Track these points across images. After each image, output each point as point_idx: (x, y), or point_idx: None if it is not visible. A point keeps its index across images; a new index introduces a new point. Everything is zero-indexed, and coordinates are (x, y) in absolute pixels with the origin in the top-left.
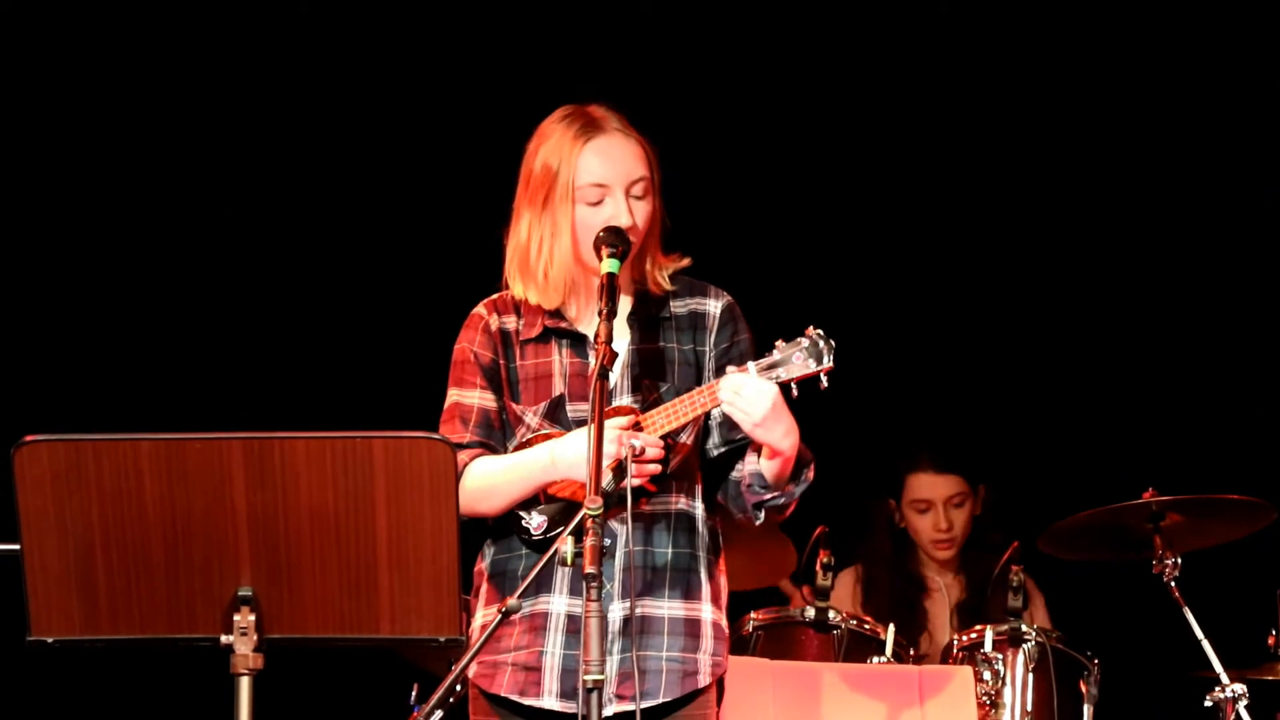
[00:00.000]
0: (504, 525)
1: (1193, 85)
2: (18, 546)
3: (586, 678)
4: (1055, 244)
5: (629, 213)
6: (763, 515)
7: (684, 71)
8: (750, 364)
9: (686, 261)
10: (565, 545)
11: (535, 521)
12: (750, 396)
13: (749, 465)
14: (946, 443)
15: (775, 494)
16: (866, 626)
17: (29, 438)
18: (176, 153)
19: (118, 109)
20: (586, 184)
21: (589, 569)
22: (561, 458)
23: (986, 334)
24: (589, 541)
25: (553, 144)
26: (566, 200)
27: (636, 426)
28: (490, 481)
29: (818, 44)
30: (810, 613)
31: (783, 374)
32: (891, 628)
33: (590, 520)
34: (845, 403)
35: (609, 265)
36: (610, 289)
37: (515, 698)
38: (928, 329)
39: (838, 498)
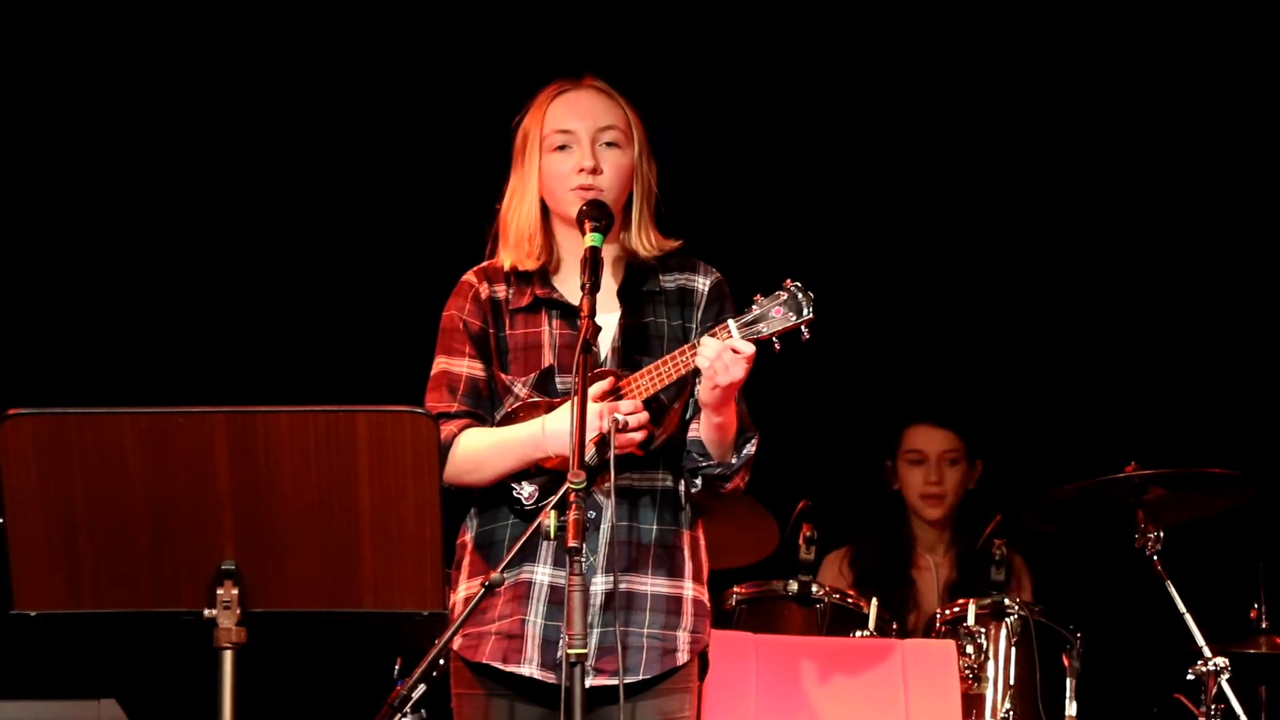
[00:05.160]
0: (491, 495)
1: (1181, 64)
2: (1, 520)
3: (570, 651)
4: (1042, 220)
5: (592, 156)
6: (699, 482)
7: (673, 44)
8: (730, 321)
9: (678, 244)
10: (549, 518)
11: (526, 491)
12: (729, 360)
13: (689, 433)
14: (944, 401)
15: (713, 463)
16: (850, 600)
17: (12, 411)
18: (160, 128)
19: (104, 89)
20: (552, 130)
21: (572, 542)
22: (552, 432)
23: (969, 309)
24: (572, 515)
25: (532, 109)
26: (535, 152)
27: (617, 392)
28: (480, 454)
29: (805, 16)
30: (793, 586)
31: (764, 329)
32: (874, 601)
33: (573, 494)
34: (836, 372)
35: (592, 239)
36: (594, 263)
37: (497, 665)
38: (913, 302)
39: (827, 471)
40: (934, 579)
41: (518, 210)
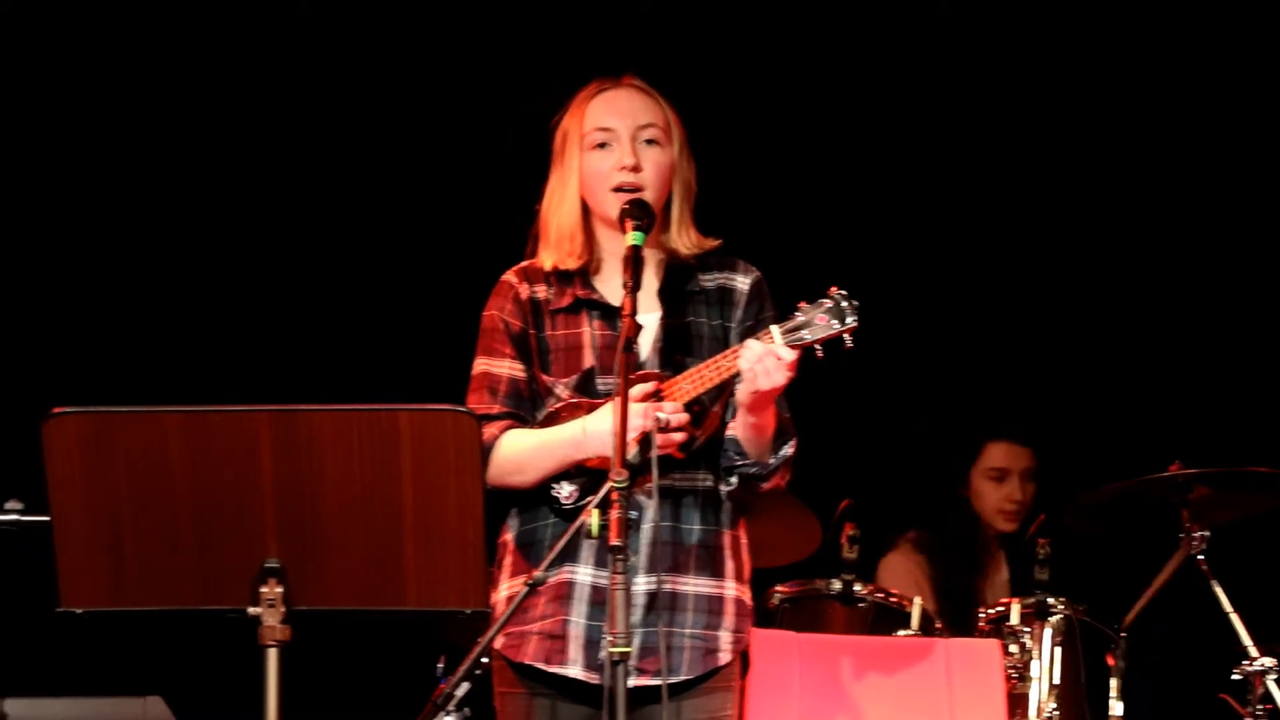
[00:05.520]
0: (532, 495)
1: (1226, 45)
2: (47, 518)
3: (612, 650)
4: (1083, 219)
5: (633, 154)
6: (735, 481)
7: (707, 41)
8: (774, 328)
9: (717, 243)
10: (591, 517)
11: (566, 490)
12: (771, 365)
13: (727, 432)
14: (1026, 416)
15: (749, 463)
16: (893, 599)
17: (57, 410)
18: (202, 122)
19: (130, 84)
20: (592, 129)
21: (614, 541)
22: (592, 433)
23: (1007, 310)
24: (614, 514)
25: (572, 108)
26: (575, 151)
27: (659, 395)
28: (522, 456)
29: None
30: (836, 586)
31: (807, 335)
32: (918, 600)
33: (615, 493)
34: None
35: (633, 238)
36: (635, 261)
37: (540, 666)
38: (944, 304)
39: (869, 471)
40: (993, 583)
41: (558, 210)
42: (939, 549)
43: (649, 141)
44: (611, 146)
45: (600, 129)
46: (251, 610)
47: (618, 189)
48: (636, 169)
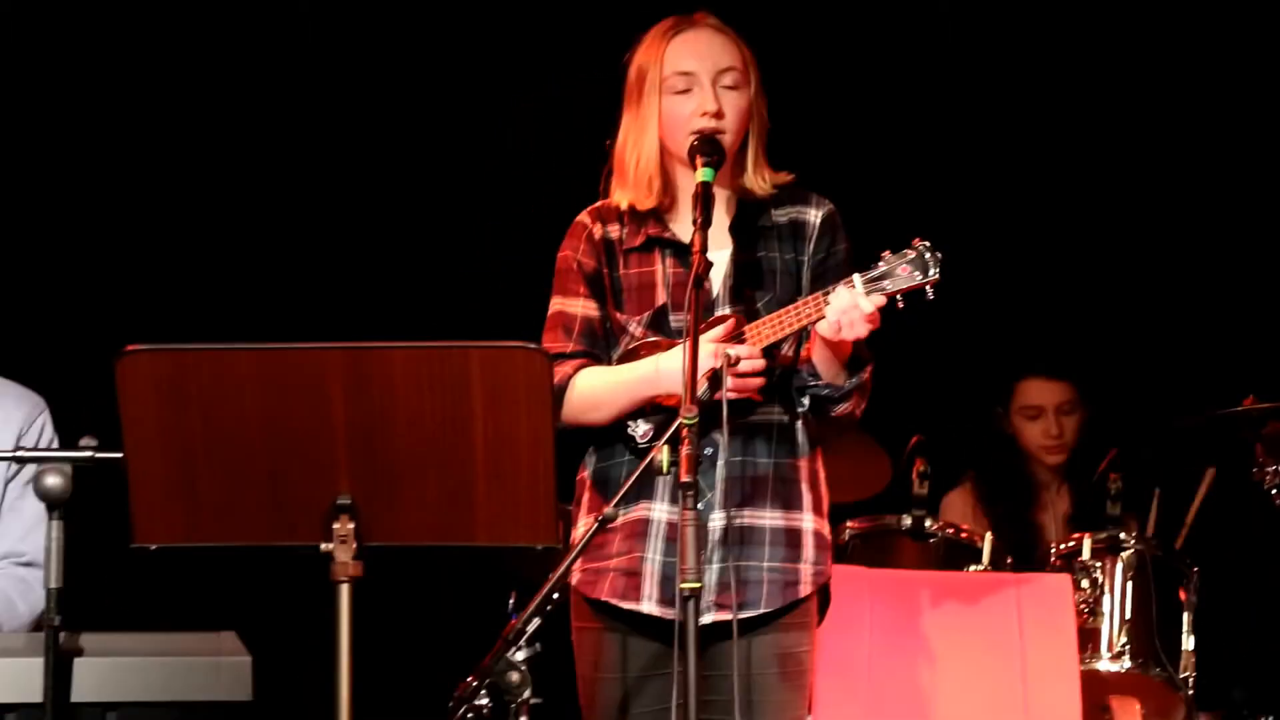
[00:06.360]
0: (608, 433)
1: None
2: (121, 455)
3: (683, 585)
4: (1143, 153)
5: (715, 99)
6: (807, 402)
7: None
8: (856, 277)
9: (790, 177)
10: (661, 454)
11: (641, 429)
12: (856, 317)
13: (802, 354)
14: (1056, 350)
15: (822, 384)
16: (964, 534)
17: (130, 347)
18: (260, 68)
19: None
20: (672, 73)
21: (685, 478)
22: (666, 371)
23: (1082, 245)
24: (685, 450)
25: (645, 46)
26: (654, 93)
27: (739, 337)
28: (597, 394)
29: None
30: (907, 521)
31: (888, 286)
32: (989, 536)
33: (686, 429)
34: (950, 309)
35: (703, 174)
36: (705, 198)
37: (615, 602)
38: (1024, 239)
39: (941, 410)
40: (1053, 516)
41: (635, 150)
42: (992, 487)
43: (728, 86)
44: (692, 91)
45: (680, 73)
46: (323, 546)
47: (698, 133)
48: (719, 115)
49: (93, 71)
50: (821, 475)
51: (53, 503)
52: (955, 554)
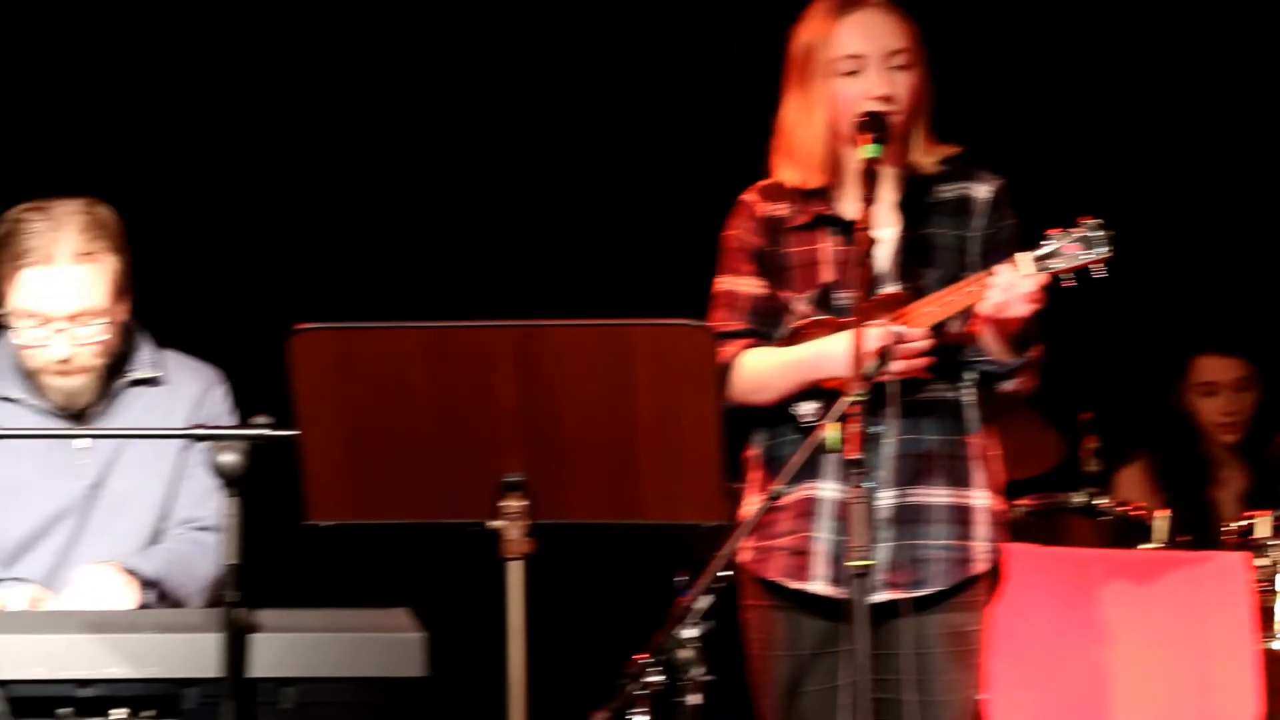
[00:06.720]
0: (775, 411)
1: None
2: (294, 433)
3: (853, 563)
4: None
5: (884, 82)
6: (975, 379)
7: None
8: (1024, 254)
9: (956, 150)
10: (828, 432)
11: (806, 409)
12: (1017, 300)
13: (968, 329)
14: (1231, 327)
15: (989, 360)
16: (1137, 512)
17: (302, 326)
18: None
19: None
20: (842, 55)
21: (852, 455)
22: (832, 356)
23: (1261, 221)
24: (852, 428)
25: (812, 23)
26: (824, 75)
27: (904, 315)
28: (763, 374)
29: None
30: (1079, 499)
31: (1055, 264)
32: (1162, 514)
33: (853, 407)
34: (1124, 291)
35: (869, 151)
36: (871, 175)
37: (784, 582)
38: (1202, 214)
39: (1113, 387)
40: (1229, 493)
41: (802, 130)
42: (1167, 464)
43: (899, 67)
44: (861, 73)
45: (850, 56)
46: (493, 523)
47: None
48: (889, 99)
49: (280, 56)
50: (994, 452)
51: (229, 479)
52: (1127, 532)
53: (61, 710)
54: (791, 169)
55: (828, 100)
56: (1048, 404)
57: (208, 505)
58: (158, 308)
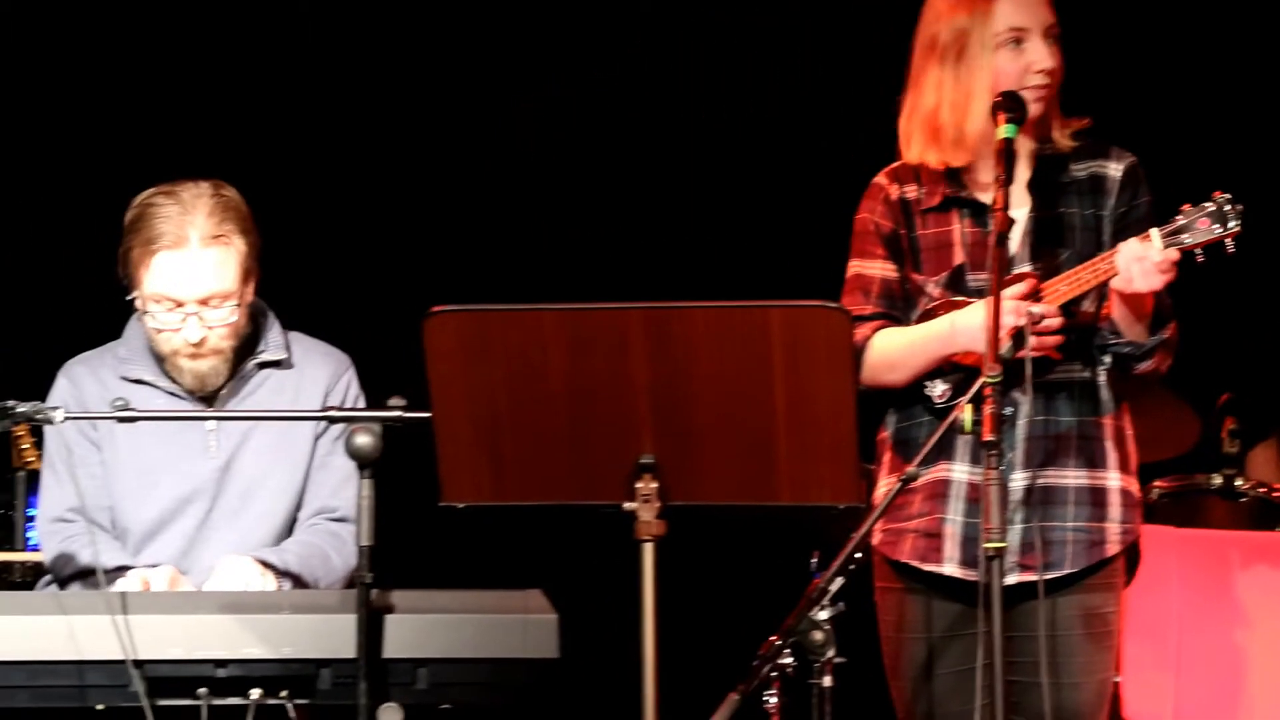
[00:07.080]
0: (907, 393)
1: None
2: (428, 415)
3: (986, 545)
4: None
5: (1050, 54)
6: (1108, 360)
7: None
8: (1154, 230)
9: (1087, 122)
10: (964, 413)
11: (938, 389)
12: (1148, 267)
13: (1102, 312)
14: None
15: (1123, 342)
16: (1276, 494)
17: (436, 309)
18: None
19: None
20: (1006, 29)
21: (988, 437)
22: (962, 328)
23: None
24: (988, 409)
25: (960, 3)
26: (985, 51)
27: (1036, 295)
28: (894, 354)
29: None
30: (1217, 481)
31: (1187, 239)
32: None
33: (988, 388)
34: (1261, 269)
35: (1005, 130)
36: (1008, 155)
37: (916, 564)
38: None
39: (1253, 368)
40: None
41: (956, 109)
42: None
43: (1055, 38)
44: (1023, 46)
45: (1014, 29)
46: (627, 505)
47: (1033, 89)
48: (1054, 72)
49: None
50: (1129, 432)
51: (363, 461)
52: (1267, 514)
53: (199, 690)
54: (935, 149)
55: (988, 76)
56: (1185, 385)
57: (342, 495)
58: (286, 290)
